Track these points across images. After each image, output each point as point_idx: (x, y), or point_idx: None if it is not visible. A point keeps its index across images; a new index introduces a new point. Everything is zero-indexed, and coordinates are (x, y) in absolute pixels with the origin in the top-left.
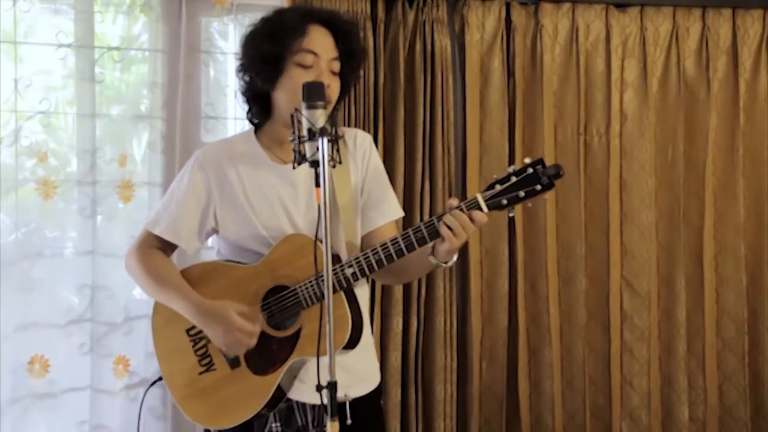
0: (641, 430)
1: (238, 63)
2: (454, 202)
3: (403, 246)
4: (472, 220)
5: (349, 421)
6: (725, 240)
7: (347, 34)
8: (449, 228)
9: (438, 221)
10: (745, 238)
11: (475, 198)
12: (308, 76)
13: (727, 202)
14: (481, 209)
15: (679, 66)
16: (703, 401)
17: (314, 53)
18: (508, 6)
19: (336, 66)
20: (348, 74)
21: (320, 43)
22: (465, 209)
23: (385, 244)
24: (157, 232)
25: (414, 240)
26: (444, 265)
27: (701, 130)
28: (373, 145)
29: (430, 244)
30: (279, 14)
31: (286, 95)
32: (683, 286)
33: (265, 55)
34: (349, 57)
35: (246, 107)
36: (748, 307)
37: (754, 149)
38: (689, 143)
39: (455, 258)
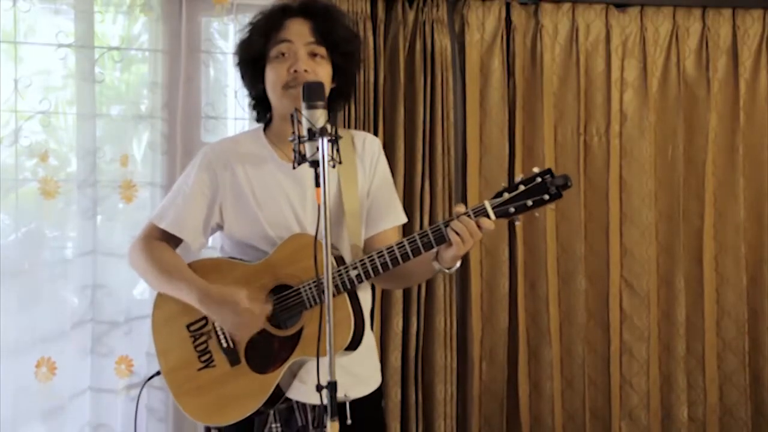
0: (641, 430)
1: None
2: (461, 208)
3: (409, 250)
4: (479, 226)
5: (349, 422)
6: (725, 240)
7: (323, 16)
8: (457, 233)
9: (445, 226)
10: (745, 237)
11: (483, 205)
12: (284, 65)
13: (727, 201)
14: (488, 216)
15: (679, 66)
16: (703, 401)
17: (287, 40)
18: (508, 6)
19: (318, 49)
20: (341, 61)
21: (293, 31)
22: (472, 216)
23: (391, 247)
24: (163, 225)
25: (420, 244)
26: (447, 271)
27: (701, 130)
28: (382, 150)
29: (434, 250)
30: (258, 15)
31: (269, 89)
32: (683, 286)
33: (249, 57)
34: (332, 40)
35: (253, 111)
36: (748, 307)
37: (754, 149)
38: (689, 143)
39: (458, 264)
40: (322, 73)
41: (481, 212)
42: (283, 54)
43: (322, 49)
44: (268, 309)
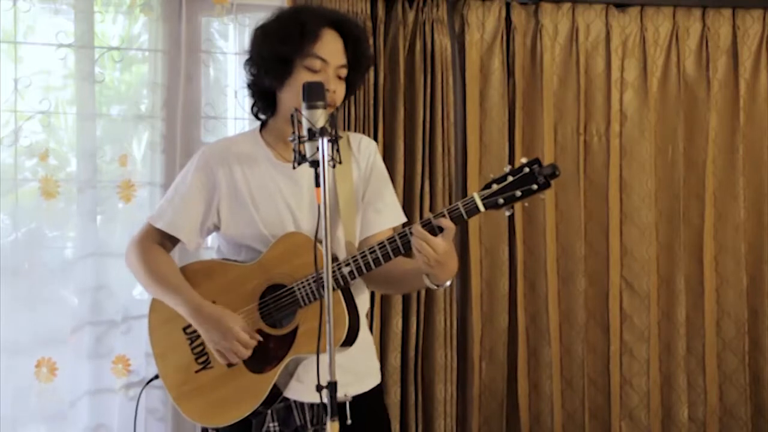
0: (641, 430)
1: (247, 56)
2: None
3: (399, 244)
4: (440, 228)
5: (349, 421)
6: (725, 240)
7: (357, 40)
8: (418, 250)
9: (436, 219)
10: (745, 237)
11: (472, 197)
12: (314, 80)
13: (727, 201)
14: (478, 209)
15: (679, 66)
16: (703, 401)
17: (323, 60)
18: (508, 6)
19: (343, 72)
20: (354, 79)
21: (330, 50)
22: (434, 221)
23: (383, 243)
24: (159, 226)
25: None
26: (435, 287)
27: (701, 130)
28: (378, 152)
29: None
30: (294, 14)
31: (291, 96)
32: (683, 286)
33: (276, 54)
34: (357, 63)
35: (251, 100)
36: (748, 307)
37: (754, 149)
38: (689, 143)
39: (448, 283)
40: (342, 92)
41: (471, 204)
42: (316, 70)
43: (346, 71)
44: (256, 342)
